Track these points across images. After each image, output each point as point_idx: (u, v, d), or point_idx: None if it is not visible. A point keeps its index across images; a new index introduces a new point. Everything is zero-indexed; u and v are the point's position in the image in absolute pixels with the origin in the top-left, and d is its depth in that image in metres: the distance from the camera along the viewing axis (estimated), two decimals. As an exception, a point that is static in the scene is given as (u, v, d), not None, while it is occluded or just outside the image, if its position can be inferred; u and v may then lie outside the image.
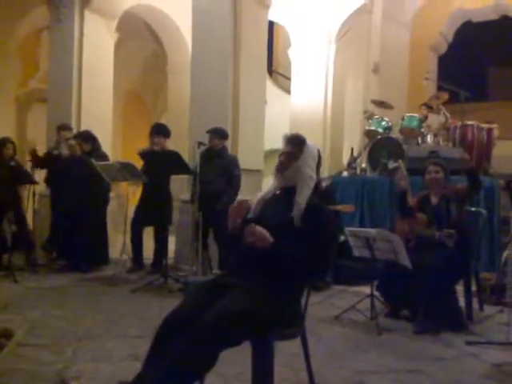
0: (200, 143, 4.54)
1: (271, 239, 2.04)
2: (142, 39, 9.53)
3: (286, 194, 2.23)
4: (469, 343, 3.23)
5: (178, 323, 1.92)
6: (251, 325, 1.89)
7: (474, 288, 4.08)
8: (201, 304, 1.97)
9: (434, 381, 2.63)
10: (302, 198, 2.16)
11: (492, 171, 5.82)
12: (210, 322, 1.83)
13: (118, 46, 7.86)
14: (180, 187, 5.78)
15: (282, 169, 2.25)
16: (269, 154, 9.46)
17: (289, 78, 9.27)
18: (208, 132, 5.08)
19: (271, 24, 9.72)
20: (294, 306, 2.14)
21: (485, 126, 5.98)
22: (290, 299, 2.09)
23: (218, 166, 5.06)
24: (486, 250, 4.93)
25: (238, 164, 5.25)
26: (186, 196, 5.41)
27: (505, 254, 4.61)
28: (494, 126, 6.03)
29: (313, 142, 2.36)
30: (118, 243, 5.50)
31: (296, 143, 2.29)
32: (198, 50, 6.17)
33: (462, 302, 3.83)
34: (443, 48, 11.25)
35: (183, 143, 6.09)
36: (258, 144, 6.28)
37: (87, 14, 6.99)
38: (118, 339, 3.14)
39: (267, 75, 8.70)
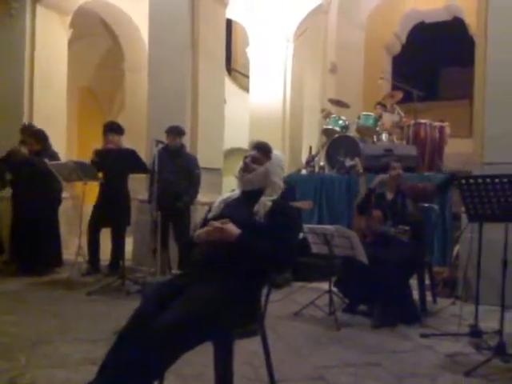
0: (158, 141, 4.47)
1: (238, 230, 2.04)
2: (97, 35, 9.29)
3: (249, 197, 2.24)
4: (423, 335, 3.34)
5: (134, 328, 1.88)
6: (210, 326, 1.88)
7: (427, 281, 4.22)
8: (156, 307, 1.93)
9: (390, 373, 2.70)
10: (269, 198, 2.18)
11: (444, 168, 6.03)
12: (165, 326, 1.78)
13: (72, 41, 7.64)
14: (139, 186, 5.69)
15: (246, 170, 2.26)
16: (229, 152, 9.45)
17: (248, 77, 9.28)
18: (166, 132, 5.03)
19: (229, 22, 9.71)
20: (254, 304, 2.14)
21: (437, 124, 6.19)
22: (249, 298, 2.09)
23: (178, 165, 5.01)
24: (438, 245, 5.11)
25: (198, 163, 5.22)
26: (144, 195, 5.32)
27: (456, 248, 4.79)
28: (446, 124, 6.25)
29: (279, 152, 2.40)
30: (73, 245, 5.35)
31: (262, 149, 2.31)
32: (156, 47, 6.09)
33: (416, 295, 3.96)
34: (397, 48, 11.55)
35: (141, 141, 5.99)
36: (217, 143, 6.26)
37: (39, 8, 6.77)
38: (73, 344, 3.06)
39: (226, 73, 8.69)
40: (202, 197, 5.39)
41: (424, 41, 12.02)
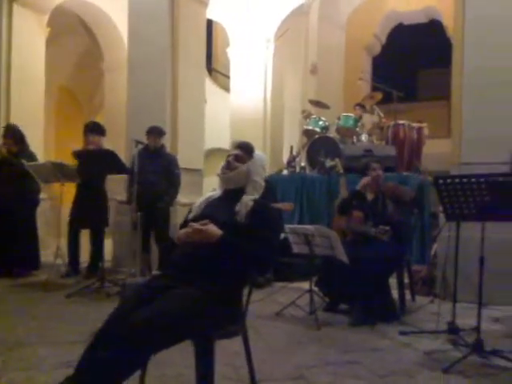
0: (138, 142, 4.44)
1: (220, 231, 2.03)
2: (75, 34, 9.18)
3: (230, 196, 2.23)
4: (402, 333, 3.37)
5: (110, 328, 1.86)
6: (188, 326, 1.87)
7: (406, 280, 4.27)
8: (134, 307, 1.91)
9: (370, 371, 2.72)
10: (251, 198, 2.18)
11: (422, 168, 6.12)
12: (140, 322, 1.77)
13: (50, 41, 7.53)
14: (117, 187, 5.63)
15: (228, 168, 2.25)
16: (209, 153, 9.42)
17: (228, 77, 9.28)
18: (146, 133, 5.00)
19: (210, 22, 9.69)
20: (235, 305, 2.13)
21: (415, 125, 6.28)
22: (230, 298, 2.08)
23: (158, 166, 4.99)
24: (417, 244, 5.18)
25: (178, 163, 5.20)
26: (123, 196, 5.27)
27: (434, 247, 4.86)
28: (424, 125, 6.34)
29: (261, 152, 2.41)
30: (52, 246, 5.26)
31: (244, 149, 2.31)
32: (135, 46, 6.04)
33: (395, 293, 4.00)
34: (377, 49, 11.69)
35: (120, 142, 5.94)
36: (198, 143, 6.24)
37: (16, 7, 6.67)
38: (51, 346, 3.01)
39: (206, 73, 8.67)
40: (182, 197, 5.38)
41: (403, 42, 12.19)
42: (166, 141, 5.39)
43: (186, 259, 2.08)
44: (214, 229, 2.03)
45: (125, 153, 5.43)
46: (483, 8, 4.45)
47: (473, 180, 2.83)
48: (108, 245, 5.26)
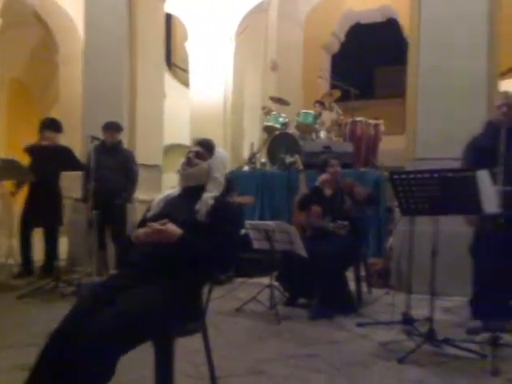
0: (94, 137, 4.34)
1: (180, 230, 2.00)
2: (28, 26, 8.85)
3: (190, 194, 2.21)
4: (359, 325, 3.46)
5: (67, 332, 1.81)
6: (150, 327, 1.85)
7: (363, 273, 4.38)
8: (91, 308, 1.87)
9: (328, 363, 2.78)
10: (211, 196, 2.16)
11: (378, 164, 6.27)
12: (103, 328, 1.73)
13: (2, 32, 7.23)
14: (72, 184, 5.48)
15: (188, 164, 2.23)
16: (168, 148, 9.31)
17: (188, 72, 9.19)
18: (102, 127, 4.89)
19: (169, 17, 9.55)
20: (195, 302, 2.12)
21: (372, 122, 6.42)
22: (190, 296, 2.07)
23: (115, 162, 4.89)
24: (373, 237, 5.32)
25: (135, 159, 5.12)
26: (79, 194, 5.14)
27: (390, 241, 5.00)
28: (380, 121, 6.50)
29: (222, 149, 2.39)
30: (4, 246, 5.07)
31: (205, 146, 2.29)
32: (92, 39, 5.90)
33: (352, 286, 4.09)
34: (335, 47, 11.86)
35: (75, 137, 5.78)
36: (156, 138, 6.17)
37: (-34, -2, 6.36)
38: (3, 350, 2.91)
39: (166, 68, 8.56)
40: (140, 194, 5.30)
41: (361, 41, 12.41)
42: (124, 136, 5.29)
43: (144, 259, 2.05)
44: (173, 228, 2.01)
45: (80, 149, 5.29)
46: (438, 8, 4.59)
47: (426, 175, 2.92)
48: (63, 244, 5.11)
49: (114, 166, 4.85)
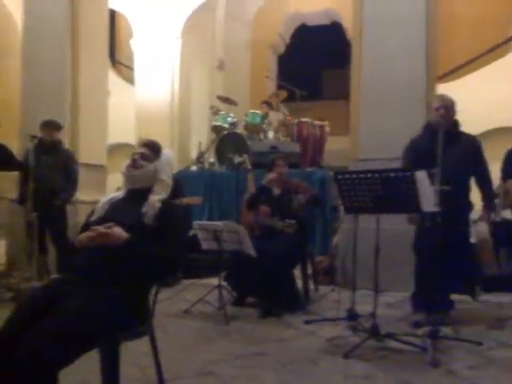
0: (33, 136, 4.15)
1: (126, 234, 1.95)
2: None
3: (136, 196, 2.16)
4: (307, 322, 3.53)
5: (4, 341, 1.72)
6: (96, 333, 1.79)
7: (310, 271, 4.46)
8: (31, 314, 1.79)
9: (276, 361, 2.81)
10: (157, 198, 2.12)
11: (324, 164, 6.41)
12: (47, 336, 1.65)
13: None
14: (9, 185, 5.23)
15: (134, 166, 2.18)
16: (113, 148, 9.07)
17: (132, 69, 9.00)
18: (41, 125, 4.69)
19: (113, 13, 9.32)
20: (142, 305, 2.08)
21: (318, 122, 6.55)
22: (136, 299, 2.03)
23: (55, 161, 4.71)
24: (320, 235, 5.43)
25: (75, 158, 4.95)
26: (16, 195, 4.91)
27: (335, 239, 5.13)
28: (326, 123, 6.64)
29: (169, 150, 2.36)
30: None
31: (152, 147, 2.25)
32: (31, 34, 5.65)
33: (300, 284, 4.16)
34: (282, 48, 11.99)
35: (13, 135, 5.51)
36: (100, 137, 5.99)
37: None
38: None
39: (110, 64, 8.33)
40: (84, 195, 5.13)
41: (307, 42, 12.61)
42: (66, 134, 5.11)
43: (88, 263, 1.98)
44: (119, 231, 1.95)
45: (18, 147, 5.05)
46: (380, 12, 4.74)
47: (368, 175, 3.02)
48: (0, 247, 4.87)
49: (53, 166, 4.67)
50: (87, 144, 5.62)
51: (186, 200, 4.70)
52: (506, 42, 9.17)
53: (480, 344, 3.00)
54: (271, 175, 4.23)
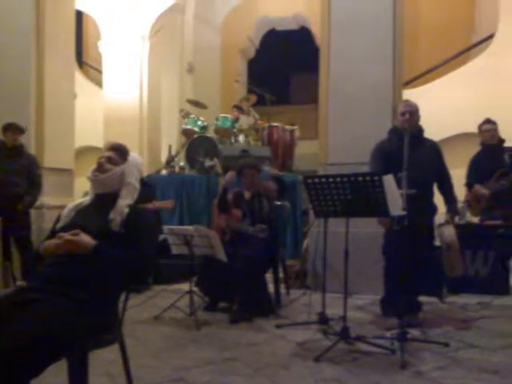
0: (-5, 139, 4.04)
1: (93, 241, 1.91)
2: None
3: (104, 202, 2.12)
4: (278, 326, 3.54)
5: None
6: (63, 342, 1.75)
7: (281, 275, 4.48)
8: None
9: (247, 366, 2.81)
10: (125, 203, 2.08)
11: (294, 168, 6.46)
12: (11, 347, 1.59)
13: None
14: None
15: (99, 170, 2.14)
16: (81, 151, 8.89)
17: (100, 71, 8.85)
18: (2, 129, 4.56)
19: (80, 14, 9.15)
20: (111, 313, 2.05)
21: (288, 127, 6.59)
22: (105, 307, 1.99)
23: (18, 165, 4.58)
24: (291, 239, 5.46)
25: (38, 162, 4.83)
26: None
27: (306, 242, 5.17)
28: (296, 127, 6.69)
29: (136, 154, 2.33)
30: None
31: (119, 150, 2.21)
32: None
33: (271, 288, 4.17)
34: (252, 53, 12.03)
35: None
36: (67, 140, 5.86)
37: None
38: None
39: (76, 66, 8.17)
40: (50, 199, 5.02)
41: (276, 47, 12.69)
42: (31, 137, 4.98)
43: (55, 271, 1.93)
44: (86, 239, 1.91)
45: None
46: (347, 18, 4.82)
47: (337, 179, 3.06)
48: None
49: (16, 170, 4.55)
50: (53, 147, 5.49)
51: (157, 204, 4.64)
52: (469, 49, 9.48)
53: (447, 345, 3.08)
54: (227, 176, 4.24)
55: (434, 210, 3.67)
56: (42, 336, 1.67)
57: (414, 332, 3.25)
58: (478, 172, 4.65)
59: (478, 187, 4.56)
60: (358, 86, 4.75)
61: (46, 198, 4.89)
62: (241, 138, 6.66)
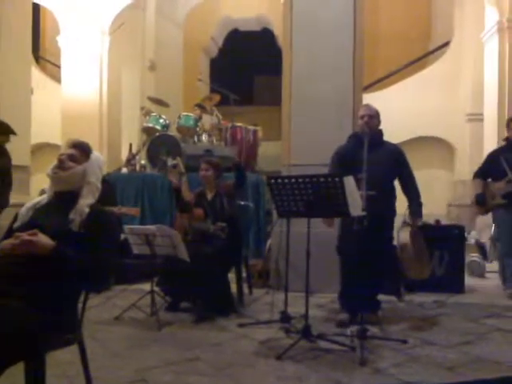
0: None
1: (51, 242, 1.86)
2: None
3: (64, 201, 2.07)
4: (241, 325, 3.55)
5: None
6: (19, 345, 1.69)
7: (244, 274, 4.49)
8: None
9: (210, 365, 2.80)
10: (86, 203, 2.04)
11: (258, 168, 6.49)
12: None
13: None
14: None
15: (61, 167, 2.09)
16: (38, 148, 8.62)
17: (58, 66, 8.60)
18: None
19: (37, 7, 8.86)
20: (69, 313, 2.00)
21: (251, 127, 6.61)
22: (62, 307, 1.94)
23: None
24: (254, 239, 5.48)
25: None
26: None
27: (269, 242, 5.20)
28: (258, 128, 6.72)
29: (98, 153, 2.28)
30: None
31: (81, 148, 2.16)
32: None
33: (234, 288, 4.18)
34: (214, 52, 12.00)
35: None
36: (23, 136, 5.64)
37: None
38: None
39: (33, 61, 7.91)
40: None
41: (239, 47, 12.70)
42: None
43: (11, 271, 1.86)
44: (45, 240, 1.85)
45: None
46: (309, 21, 4.87)
47: (299, 180, 3.11)
48: None
49: None
50: (9, 144, 5.28)
51: (123, 209, 4.55)
52: (426, 56, 9.81)
53: (405, 342, 3.17)
54: (170, 175, 4.18)
55: (392, 210, 3.76)
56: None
57: (373, 329, 3.33)
58: (499, 165, 4.60)
59: (498, 184, 4.64)
60: (320, 88, 4.82)
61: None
62: (204, 137, 6.63)
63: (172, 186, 4.17)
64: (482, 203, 4.74)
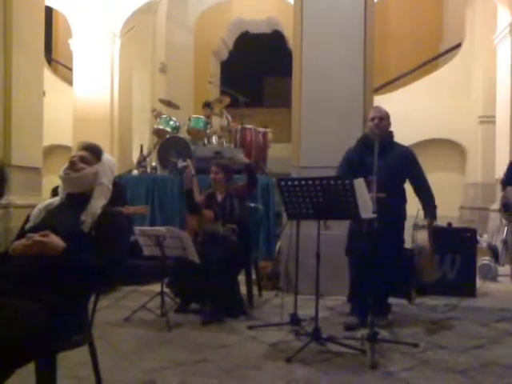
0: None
1: (63, 243, 1.87)
2: None
3: (75, 201, 2.08)
4: (250, 327, 3.54)
5: None
6: (32, 346, 1.70)
7: (254, 276, 4.48)
8: None
9: (219, 367, 2.80)
10: (98, 205, 2.06)
11: (267, 170, 6.48)
12: None
13: None
14: None
15: (73, 168, 2.10)
16: (50, 150, 8.71)
17: (70, 69, 8.67)
18: None
19: (50, 10, 8.95)
20: (80, 314, 2.01)
21: (261, 129, 6.61)
22: (74, 308, 1.95)
23: None
24: (263, 241, 5.47)
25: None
26: None
27: (278, 244, 5.19)
28: (269, 130, 6.72)
29: (109, 155, 2.30)
30: None
31: (92, 150, 2.18)
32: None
33: (244, 290, 4.17)
34: (225, 54, 12.03)
35: None
36: (35, 138, 5.71)
37: None
38: None
39: (45, 64, 8.00)
40: (18, 198, 4.88)
41: (249, 49, 12.72)
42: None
43: (22, 272, 1.88)
44: (56, 241, 1.87)
45: None
46: (320, 23, 4.86)
47: (309, 182, 3.10)
48: None
49: None
50: (21, 146, 5.34)
51: (131, 209, 4.58)
52: (436, 58, 9.75)
53: (416, 346, 3.14)
54: (184, 175, 4.19)
55: (403, 213, 3.73)
56: (9, 339, 1.63)
57: (383, 333, 3.31)
58: None
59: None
60: (330, 90, 4.80)
61: (13, 197, 4.75)
62: (214, 139, 6.64)
63: (184, 188, 4.18)
64: None
